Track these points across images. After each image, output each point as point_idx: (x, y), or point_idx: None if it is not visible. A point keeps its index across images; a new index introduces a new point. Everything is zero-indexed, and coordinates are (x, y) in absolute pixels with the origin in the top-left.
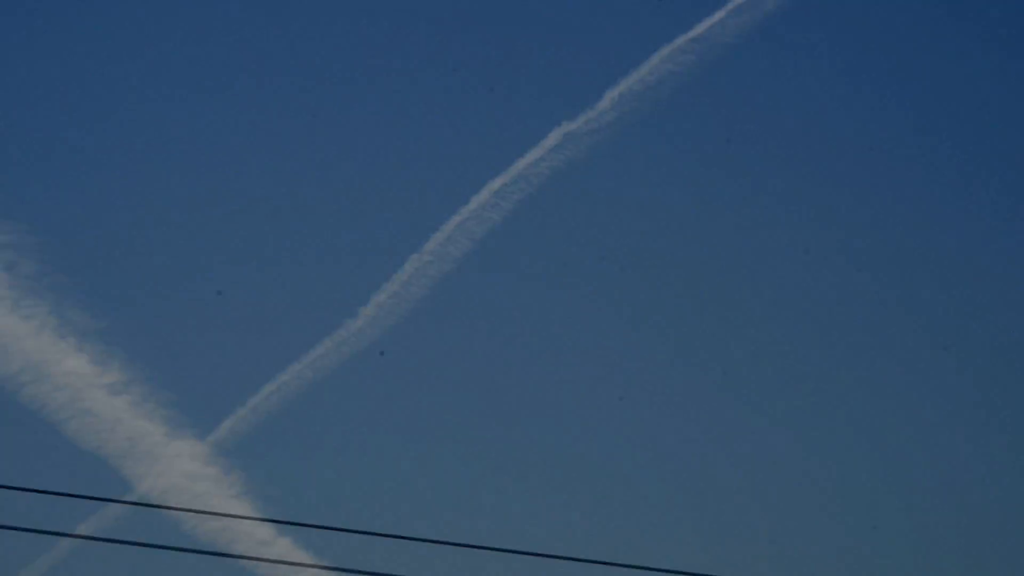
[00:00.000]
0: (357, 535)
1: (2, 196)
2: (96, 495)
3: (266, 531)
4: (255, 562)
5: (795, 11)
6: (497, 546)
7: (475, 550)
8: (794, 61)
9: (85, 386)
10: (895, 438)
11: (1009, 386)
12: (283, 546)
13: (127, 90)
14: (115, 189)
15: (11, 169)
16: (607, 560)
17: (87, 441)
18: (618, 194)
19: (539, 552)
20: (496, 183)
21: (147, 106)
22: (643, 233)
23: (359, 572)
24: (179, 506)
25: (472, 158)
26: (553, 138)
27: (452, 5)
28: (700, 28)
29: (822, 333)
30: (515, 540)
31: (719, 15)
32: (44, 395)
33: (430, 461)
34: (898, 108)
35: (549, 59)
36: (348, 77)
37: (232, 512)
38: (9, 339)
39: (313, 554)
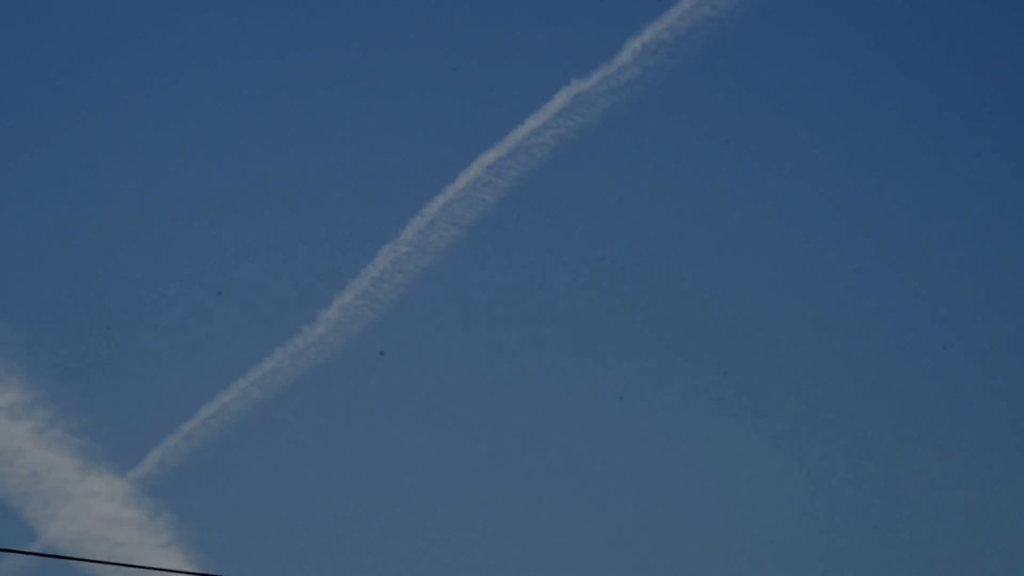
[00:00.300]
0: None
1: None
2: None
3: None
4: None
5: None
6: None
7: None
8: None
9: None
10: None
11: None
12: None
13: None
14: (23, 188)
15: None
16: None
17: None
18: (636, 171)
19: None
20: (490, 156)
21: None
22: (660, 222)
23: None
24: (94, 557)
25: (460, 126)
26: (560, 100)
27: None
28: None
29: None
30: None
31: None
32: None
33: (404, 503)
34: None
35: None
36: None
37: (159, 565)
38: None
39: None
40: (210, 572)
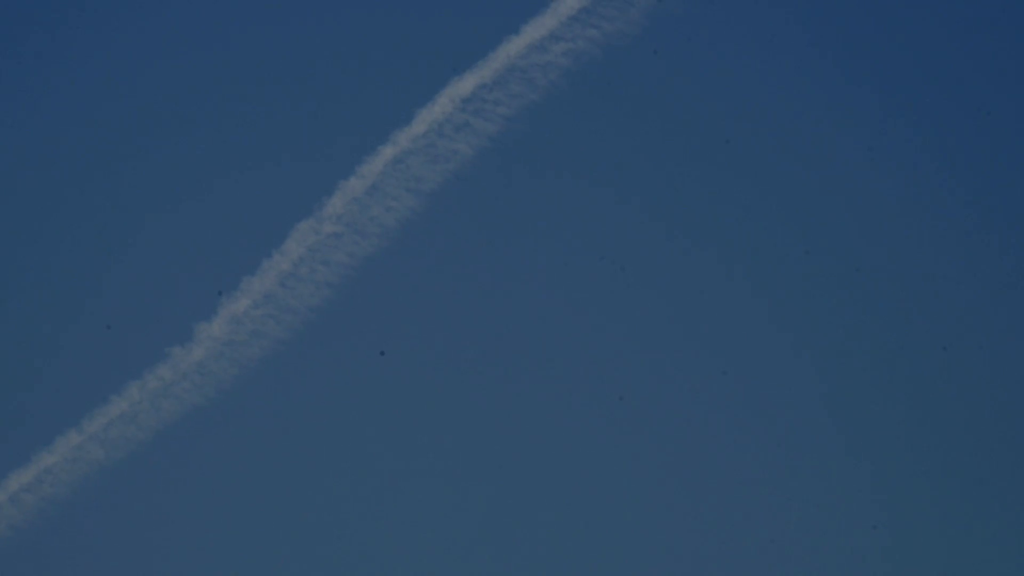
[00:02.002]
0: None
1: None
2: None
3: None
4: None
5: None
6: None
7: None
8: None
9: None
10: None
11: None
12: None
13: None
14: None
15: None
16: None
17: None
18: (663, 115)
19: None
20: (463, 86)
21: None
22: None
23: None
24: None
25: (424, 44)
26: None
27: None
28: None
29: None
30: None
31: None
32: None
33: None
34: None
35: None
36: None
37: None
38: None
39: None
40: None
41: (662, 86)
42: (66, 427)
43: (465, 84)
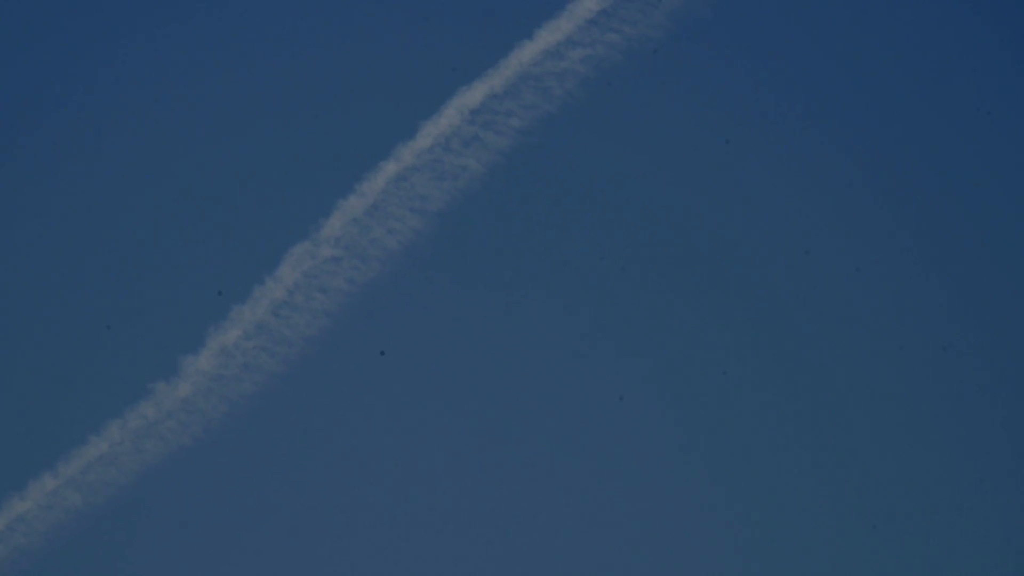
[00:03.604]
0: None
1: None
2: None
3: None
4: None
5: None
6: None
7: None
8: None
9: None
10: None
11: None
12: None
13: None
14: None
15: None
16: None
17: None
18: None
19: None
20: (472, 96)
21: None
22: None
23: None
24: None
25: (429, 51)
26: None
27: None
28: None
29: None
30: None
31: None
32: None
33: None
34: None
35: None
36: None
37: None
38: None
39: None
40: None
41: (662, 86)
42: (40, 470)
43: (474, 94)
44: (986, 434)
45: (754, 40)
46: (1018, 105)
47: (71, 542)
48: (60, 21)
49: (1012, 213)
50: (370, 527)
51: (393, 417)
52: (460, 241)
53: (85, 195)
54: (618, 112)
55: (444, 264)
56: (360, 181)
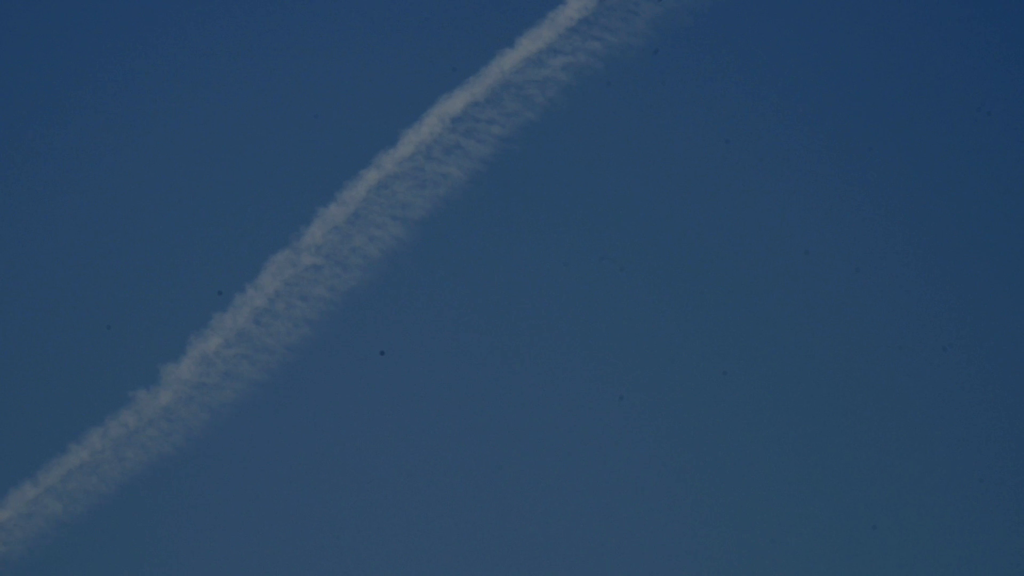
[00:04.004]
0: None
1: None
2: None
3: None
4: None
5: None
6: None
7: None
8: None
9: None
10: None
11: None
12: None
13: None
14: None
15: None
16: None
17: None
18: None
19: None
20: (453, 104)
21: None
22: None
23: None
24: None
25: (410, 59)
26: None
27: None
28: None
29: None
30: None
31: None
32: None
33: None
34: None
35: None
36: None
37: None
38: None
39: None
40: None
41: (662, 86)
42: (21, 479)
43: (455, 102)
44: (986, 434)
45: (754, 40)
46: (1018, 105)
47: (51, 551)
48: (43, 27)
49: (1012, 213)
50: (353, 537)
51: (382, 423)
52: (442, 249)
53: (64, 204)
54: (609, 115)
55: (426, 272)
56: (341, 189)
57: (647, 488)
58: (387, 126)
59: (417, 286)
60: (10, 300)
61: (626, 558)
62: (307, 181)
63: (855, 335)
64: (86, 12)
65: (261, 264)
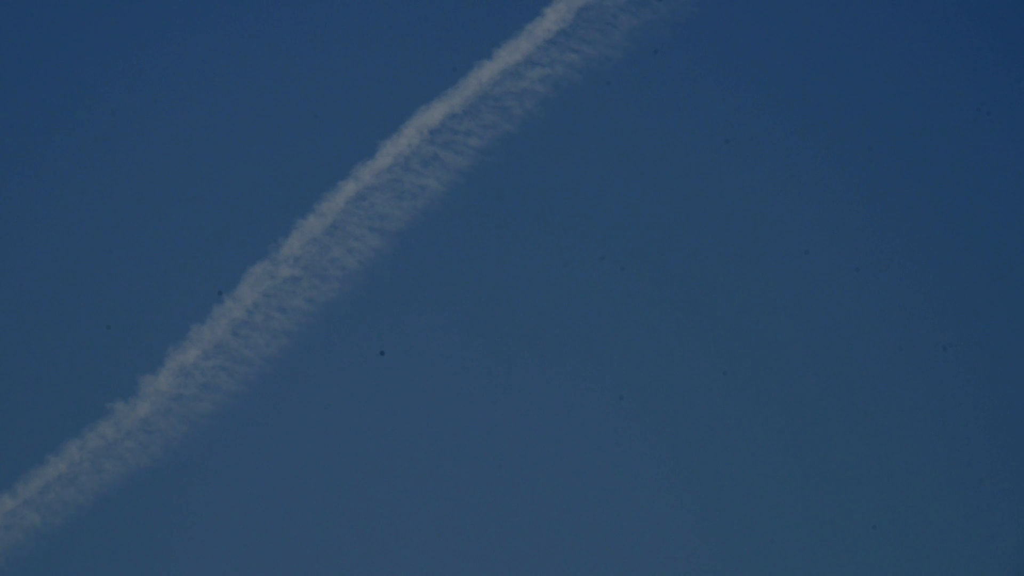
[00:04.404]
0: None
1: None
2: None
3: None
4: None
5: None
6: None
7: None
8: None
9: None
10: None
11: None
12: None
13: None
14: None
15: None
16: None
17: None
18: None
19: None
20: (432, 116)
21: None
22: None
23: None
24: None
25: (388, 71)
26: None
27: None
28: None
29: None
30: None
31: None
32: None
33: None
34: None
35: None
36: None
37: None
38: None
39: None
40: None
41: (662, 86)
42: None
43: (433, 114)
44: (986, 434)
45: (754, 40)
46: (1018, 105)
47: (30, 563)
48: (38, 30)
49: (1012, 213)
50: (343, 543)
51: (372, 429)
52: (420, 261)
53: (43, 211)
54: (609, 115)
55: (406, 282)
56: (320, 201)
57: (647, 488)
58: (365, 138)
59: (401, 295)
60: None
61: (626, 558)
62: (285, 193)
63: (855, 335)
64: (71, 19)
65: (240, 276)
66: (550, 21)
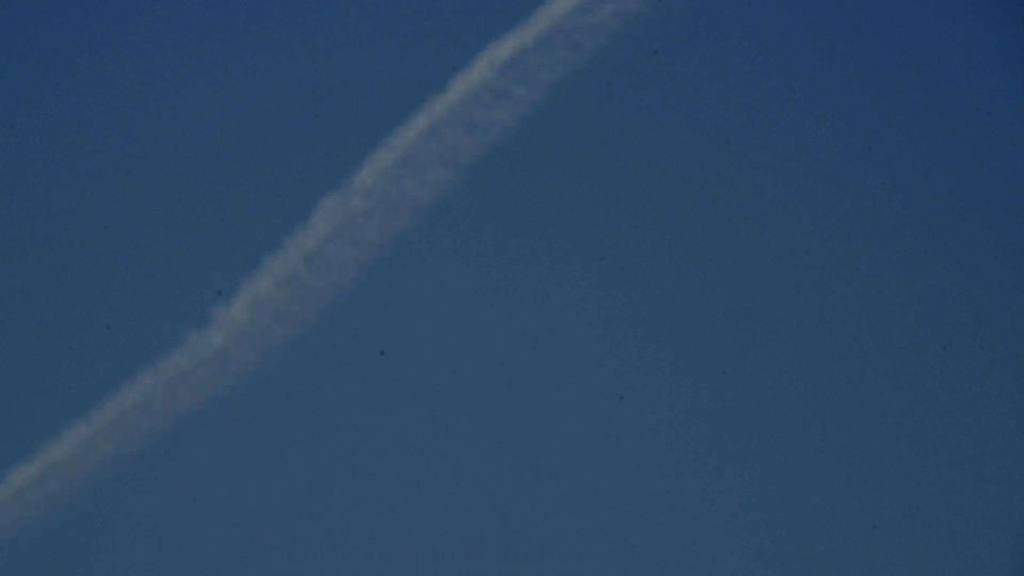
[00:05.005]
0: None
1: None
2: None
3: None
4: None
5: None
6: None
7: None
8: None
9: None
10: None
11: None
12: None
13: None
14: None
15: None
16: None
17: None
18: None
19: None
20: (503, 50)
21: None
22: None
23: None
24: None
25: (459, 5)
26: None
27: None
28: None
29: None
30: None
31: None
32: None
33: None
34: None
35: None
36: None
37: None
38: None
39: None
40: None
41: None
42: (75, 419)
43: (504, 48)
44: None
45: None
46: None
47: (104, 492)
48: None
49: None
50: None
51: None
52: (489, 195)
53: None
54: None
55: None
56: (391, 135)
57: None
58: (437, 72)
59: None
60: None
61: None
62: (357, 127)
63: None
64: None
65: (312, 208)
66: None
